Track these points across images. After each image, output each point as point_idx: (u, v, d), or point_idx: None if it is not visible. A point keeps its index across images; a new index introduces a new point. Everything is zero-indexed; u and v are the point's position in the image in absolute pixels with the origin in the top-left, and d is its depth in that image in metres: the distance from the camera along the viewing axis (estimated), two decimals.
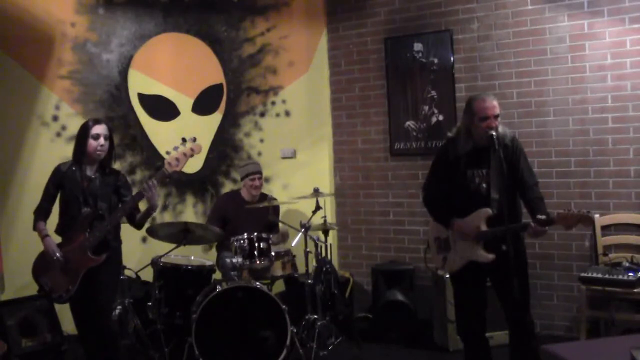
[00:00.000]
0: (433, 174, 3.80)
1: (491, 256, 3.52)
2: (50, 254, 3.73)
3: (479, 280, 3.69)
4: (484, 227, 3.54)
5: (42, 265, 3.80)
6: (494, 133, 3.49)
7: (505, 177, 3.47)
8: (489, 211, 3.53)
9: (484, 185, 3.57)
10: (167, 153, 3.83)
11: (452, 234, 3.69)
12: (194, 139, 3.89)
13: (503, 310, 3.67)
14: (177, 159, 3.80)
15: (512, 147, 3.61)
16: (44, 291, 3.83)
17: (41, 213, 3.84)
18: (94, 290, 3.75)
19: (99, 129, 3.74)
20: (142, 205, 3.91)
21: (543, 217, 3.41)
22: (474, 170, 3.59)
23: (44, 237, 3.78)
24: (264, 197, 5.07)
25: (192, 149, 3.86)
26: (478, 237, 3.55)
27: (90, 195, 3.75)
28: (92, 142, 3.72)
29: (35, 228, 3.84)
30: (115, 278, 4.03)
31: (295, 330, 4.41)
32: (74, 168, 3.78)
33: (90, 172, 3.80)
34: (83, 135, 3.75)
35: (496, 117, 3.54)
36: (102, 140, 3.73)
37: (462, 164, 3.60)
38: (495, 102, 3.55)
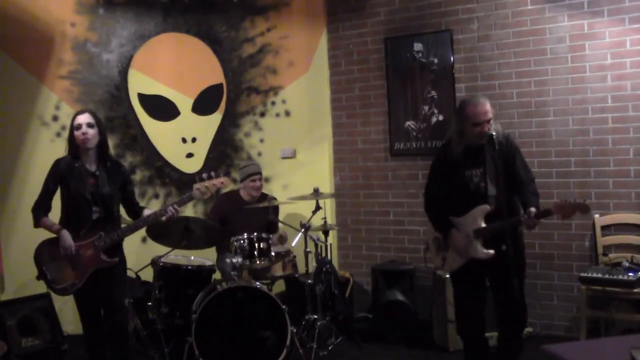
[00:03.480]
0: (432, 178, 3.84)
1: (491, 252, 3.54)
2: (67, 248, 3.70)
3: (478, 279, 3.71)
4: (482, 224, 3.56)
5: (49, 254, 3.77)
6: (494, 133, 3.51)
7: (501, 174, 3.50)
8: (487, 208, 3.55)
9: (482, 184, 3.59)
10: (195, 180, 3.94)
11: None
12: (226, 173, 4.18)
13: (496, 308, 3.73)
14: (207, 187, 3.91)
15: (507, 144, 3.62)
16: (45, 279, 3.78)
17: (42, 209, 3.80)
18: (108, 288, 3.80)
19: (81, 118, 3.77)
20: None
21: (534, 210, 3.45)
22: (472, 170, 3.61)
23: (58, 230, 3.74)
24: (264, 196, 5.06)
25: (222, 182, 3.98)
26: (477, 234, 3.57)
27: (98, 195, 3.77)
28: (75, 133, 3.76)
29: (40, 224, 3.79)
30: (125, 273, 4.08)
31: (295, 330, 4.41)
32: (76, 164, 3.78)
33: (90, 166, 3.80)
34: (70, 128, 3.80)
35: (488, 121, 3.53)
36: (84, 129, 3.73)
37: (460, 165, 3.62)
38: (487, 107, 3.54)
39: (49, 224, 3.78)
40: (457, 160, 3.62)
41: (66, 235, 3.73)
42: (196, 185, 3.90)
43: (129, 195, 3.97)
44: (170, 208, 3.84)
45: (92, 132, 3.76)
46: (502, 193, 3.51)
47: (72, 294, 3.82)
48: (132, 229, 3.82)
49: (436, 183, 3.78)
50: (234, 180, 5.58)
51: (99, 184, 3.77)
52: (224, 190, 5.53)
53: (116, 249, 3.84)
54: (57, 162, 3.83)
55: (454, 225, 3.65)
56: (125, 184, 3.93)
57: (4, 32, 5.18)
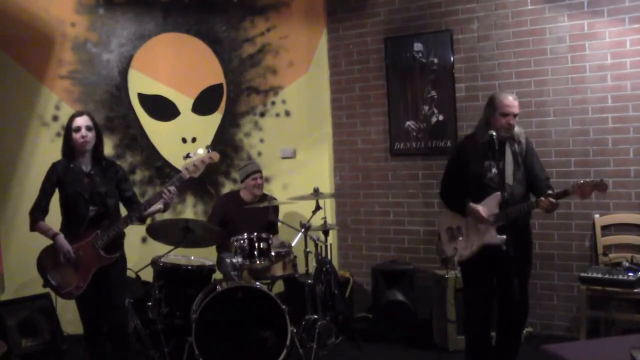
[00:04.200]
0: (452, 165, 3.94)
1: (504, 237, 3.60)
2: (65, 253, 3.71)
3: (487, 273, 3.75)
4: (497, 210, 3.66)
5: (49, 261, 3.77)
6: (493, 133, 3.65)
7: (520, 168, 3.71)
8: (500, 195, 3.64)
9: (500, 175, 3.67)
10: (184, 158, 3.90)
11: (467, 220, 3.79)
12: (209, 148, 3.96)
13: (497, 306, 3.79)
14: (195, 166, 3.85)
15: (526, 144, 3.80)
16: (50, 286, 3.80)
17: (40, 213, 3.80)
18: (108, 288, 3.80)
19: (79, 121, 3.76)
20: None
21: (551, 192, 3.61)
22: (491, 161, 3.72)
23: (54, 235, 3.74)
24: (264, 196, 5.07)
25: (210, 157, 3.91)
26: (492, 219, 3.66)
27: (95, 194, 3.77)
28: (74, 135, 3.75)
29: (35, 229, 3.79)
30: (125, 273, 4.07)
31: (295, 330, 4.41)
32: (71, 165, 3.79)
33: (85, 167, 3.81)
34: (67, 130, 3.79)
35: (515, 115, 3.72)
36: (83, 131, 3.73)
37: (480, 155, 3.74)
38: (516, 102, 3.75)
39: (45, 229, 3.78)
40: (478, 151, 3.74)
41: (61, 240, 3.73)
42: (184, 165, 3.85)
43: (128, 195, 3.96)
44: (171, 189, 3.79)
45: (90, 135, 3.77)
46: (518, 185, 3.71)
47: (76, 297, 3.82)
48: (126, 222, 3.79)
49: (455, 172, 3.89)
50: (234, 181, 5.59)
51: (94, 182, 3.78)
52: (223, 189, 5.57)
53: (116, 247, 3.84)
54: (54, 166, 3.84)
55: (469, 201, 3.75)
56: (119, 182, 3.91)
57: (4, 32, 5.18)
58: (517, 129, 3.76)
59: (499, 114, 3.71)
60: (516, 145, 3.75)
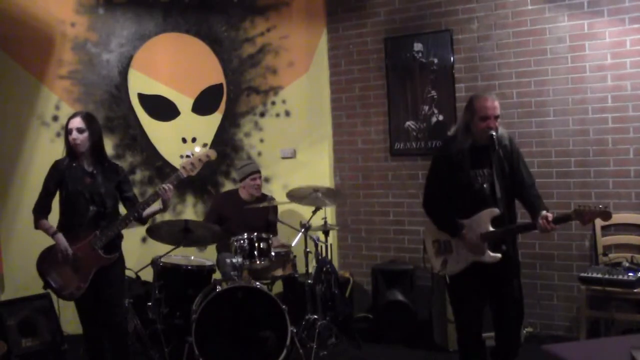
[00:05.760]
0: (434, 174, 3.74)
1: (498, 255, 3.51)
2: (63, 251, 3.72)
3: (479, 283, 3.65)
4: (490, 228, 3.52)
5: (49, 262, 3.78)
6: (493, 133, 3.48)
7: (507, 177, 3.50)
8: (496, 211, 3.49)
9: (486, 185, 3.54)
10: (181, 157, 3.90)
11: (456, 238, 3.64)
12: (206, 145, 3.98)
13: (495, 308, 3.68)
14: (192, 164, 3.90)
15: (511, 147, 3.62)
16: (51, 288, 3.80)
17: (42, 211, 3.82)
18: (106, 289, 3.80)
19: (72, 123, 3.78)
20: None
21: (551, 215, 3.44)
22: (477, 170, 3.56)
23: (53, 234, 3.77)
24: (263, 197, 5.06)
25: (207, 155, 3.97)
26: (485, 237, 3.52)
27: (95, 193, 3.78)
28: (68, 137, 3.78)
29: (38, 226, 3.82)
30: (123, 275, 4.08)
31: (295, 330, 4.41)
32: (74, 164, 3.80)
33: (87, 166, 3.82)
34: (65, 130, 3.82)
35: (496, 117, 3.53)
36: (74, 134, 3.75)
37: (465, 164, 3.56)
38: (496, 103, 3.55)
39: (46, 227, 3.80)
40: (462, 159, 3.56)
41: (61, 238, 3.74)
42: (181, 164, 3.91)
43: (128, 195, 3.96)
44: (167, 186, 3.80)
45: (81, 137, 3.76)
46: (507, 196, 3.51)
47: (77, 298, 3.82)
48: (125, 222, 3.80)
49: (439, 180, 3.68)
50: (234, 181, 5.58)
51: (95, 182, 3.79)
52: (223, 189, 5.57)
53: (114, 247, 3.84)
54: (56, 164, 3.85)
55: (464, 226, 3.57)
56: (120, 183, 3.92)
57: (4, 32, 5.19)
58: (500, 130, 3.55)
59: (478, 118, 3.49)
60: (500, 150, 3.49)
